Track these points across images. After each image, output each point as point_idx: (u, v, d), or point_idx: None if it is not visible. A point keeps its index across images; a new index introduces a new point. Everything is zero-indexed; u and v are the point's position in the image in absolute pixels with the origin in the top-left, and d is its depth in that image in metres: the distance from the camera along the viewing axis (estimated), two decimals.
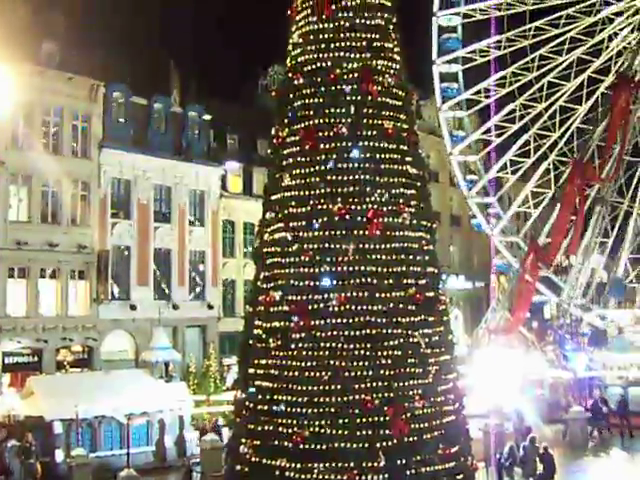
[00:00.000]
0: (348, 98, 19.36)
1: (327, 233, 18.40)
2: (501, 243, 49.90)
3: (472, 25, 49.07)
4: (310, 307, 17.81)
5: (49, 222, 39.39)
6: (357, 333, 17.42)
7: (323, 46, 20.45)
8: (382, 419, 16.40)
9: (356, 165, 18.75)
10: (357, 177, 18.70)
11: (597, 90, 48.83)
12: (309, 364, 16.97)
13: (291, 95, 20.19)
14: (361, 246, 18.43)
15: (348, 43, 20.42)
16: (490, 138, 50.45)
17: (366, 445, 16.14)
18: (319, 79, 19.86)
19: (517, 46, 48.60)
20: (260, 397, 17.36)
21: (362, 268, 18.36)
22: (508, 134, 49.91)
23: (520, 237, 50.26)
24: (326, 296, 17.88)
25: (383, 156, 19.23)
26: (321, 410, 16.56)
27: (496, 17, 48.44)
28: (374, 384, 16.80)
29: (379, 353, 17.30)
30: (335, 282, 18.13)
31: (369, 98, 19.51)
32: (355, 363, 16.99)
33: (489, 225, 50.06)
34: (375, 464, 16.03)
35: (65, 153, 40.45)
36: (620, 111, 45.19)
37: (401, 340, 17.63)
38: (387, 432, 16.27)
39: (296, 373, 17.02)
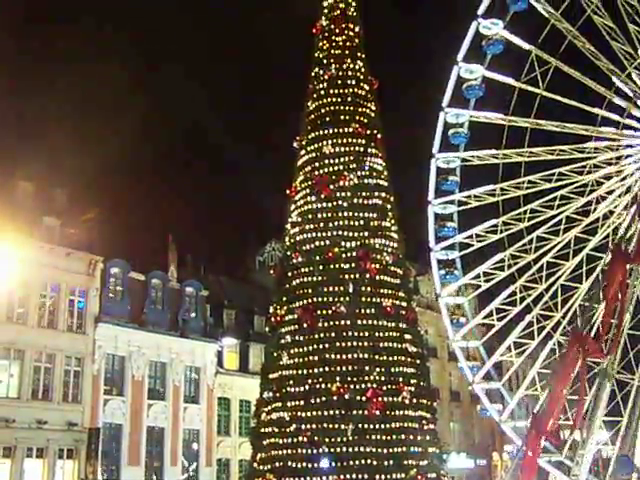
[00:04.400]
0: (346, 277, 19.55)
1: (326, 413, 18.05)
2: (511, 429, 48.79)
3: (469, 211, 50.23)
4: None
5: (39, 398, 38.42)
6: None
7: (321, 225, 20.88)
8: None
9: (355, 344, 18.66)
10: (356, 356, 18.57)
11: (596, 267, 49.16)
12: None
13: (289, 273, 20.39)
14: (360, 426, 18.04)
15: (346, 222, 20.86)
16: (492, 322, 50.27)
17: None
18: (317, 258, 20.13)
19: (513, 229, 49.48)
20: None
21: (361, 449, 17.90)
22: (510, 317, 49.83)
23: (530, 422, 49.21)
24: (325, 478, 17.33)
25: (382, 334, 19.17)
26: None
27: (491, 202, 49.68)
28: None
29: None
30: (334, 464, 17.61)
31: (367, 276, 19.72)
32: None
33: (497, 412, 49.13)
34: None
35: (60, 328, 40.09)
36: (617, 284, 45.27)
37: None
38: None
39: None
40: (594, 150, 48.19)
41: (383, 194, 22.27)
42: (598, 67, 47.16)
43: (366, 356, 18.90)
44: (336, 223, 21.16)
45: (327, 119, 25.35)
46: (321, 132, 24.50)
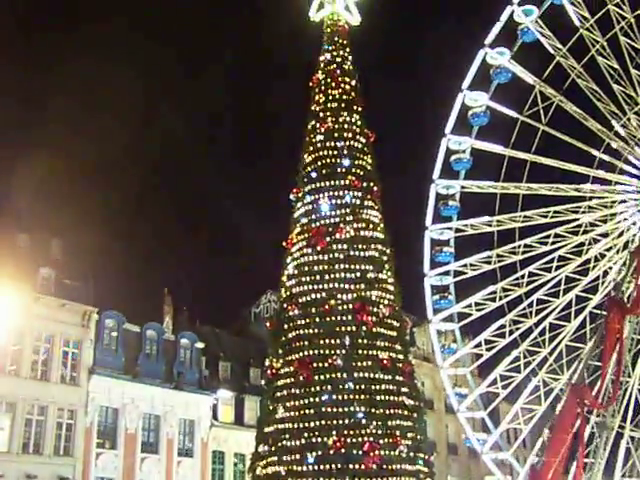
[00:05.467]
0: (343, 329, 19.48)
1: (322, 467, 17.83)
2: (492, 461, 48.66)
3: (464, 239, 50.56)
4: None
5: (30, 452, 37.86)
6: None
7: (318, 277, 20.86)
8: None
9: (351, 397, 18.51)
10: (352, 409, 18.40)
11: (585, 308, 49.56)
12: None
13: (285, 326, 20.31)
14: None
15: (343, 275, 20.86)
16: (480, 352, 50.55)
17: None
18: (313, 310, 20.07)
19: (507, 262, 49.89)
20: None
21: None
22: (498, 349, 50.07)
23: (511, 454, 49.09)
24: None
25: (378, 387, 19.02)
26: None
27: (486, 233, 50.09)
28: None
29: None
30: None
31: (364, 329, 19.64)
32: None
33: (479, 442, 49.10)
34: None
35: (53, 380, 39.72)
36: (613, 334, 45.14)
37: None
38: None
39: None
40: (590, 191, 48.78)
41: (379, 246, 22.31)
42: (599, 108, 47.93)
43: (363, 409, 18.72)
44: (332, 275, 21.14)
45: (323, 172, 25.45)
46: (317, 185, 24.63)
